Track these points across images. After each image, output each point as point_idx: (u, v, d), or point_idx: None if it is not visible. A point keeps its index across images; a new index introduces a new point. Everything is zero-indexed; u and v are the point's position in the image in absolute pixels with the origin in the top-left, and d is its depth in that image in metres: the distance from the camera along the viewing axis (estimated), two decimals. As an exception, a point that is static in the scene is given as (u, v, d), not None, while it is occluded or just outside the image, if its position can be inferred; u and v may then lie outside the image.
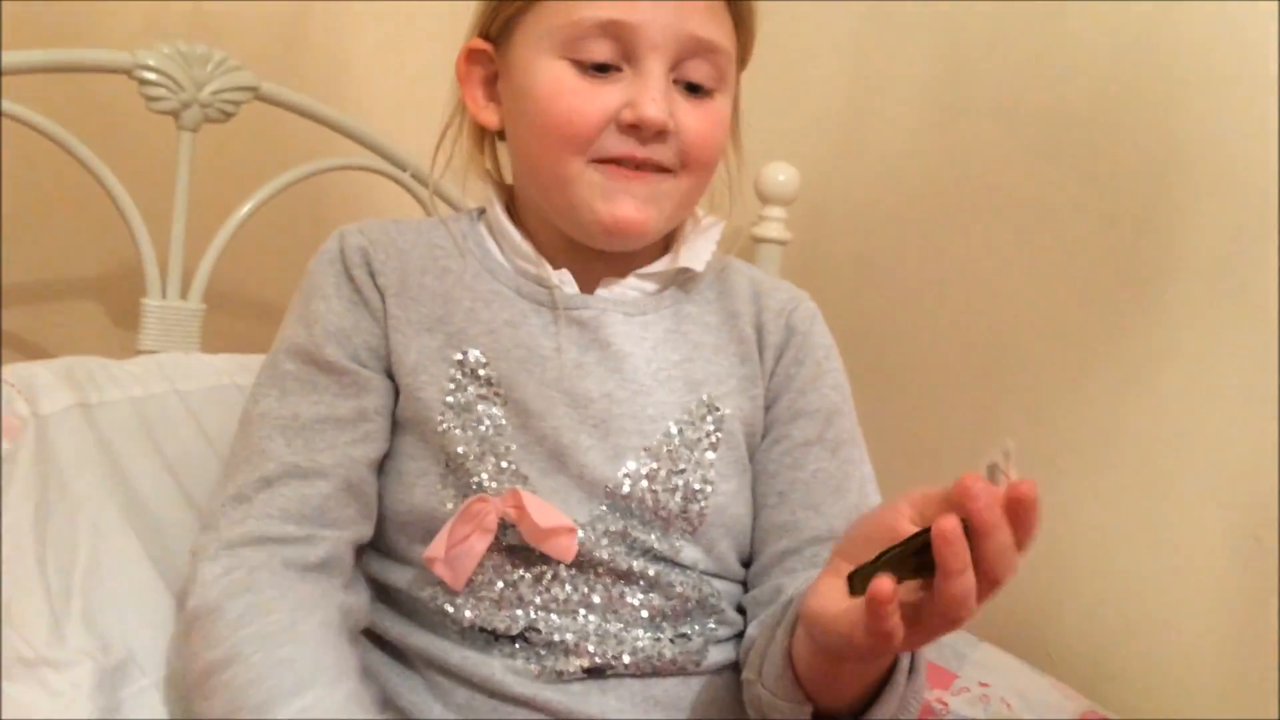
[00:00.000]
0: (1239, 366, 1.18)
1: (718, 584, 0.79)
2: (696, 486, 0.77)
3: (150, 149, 1.11)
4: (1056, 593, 1.29)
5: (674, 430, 0.77)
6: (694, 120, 0.75)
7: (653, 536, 0.75)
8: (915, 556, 0.55)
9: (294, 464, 0.74)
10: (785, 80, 1.52)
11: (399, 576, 0.78)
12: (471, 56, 0.80)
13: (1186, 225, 1.21)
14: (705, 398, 0.79)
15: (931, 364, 1.40)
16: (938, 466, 1.39)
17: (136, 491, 0.85)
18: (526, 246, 0.80)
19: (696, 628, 0.76)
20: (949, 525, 0.52)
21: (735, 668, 0.78)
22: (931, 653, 1.17)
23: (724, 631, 0.78)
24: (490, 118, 0.81)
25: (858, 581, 0.55)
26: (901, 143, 1.47)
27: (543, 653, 0.74)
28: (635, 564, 0.75)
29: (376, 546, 0.79)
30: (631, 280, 0.81)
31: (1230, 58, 1.18)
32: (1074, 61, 1.27)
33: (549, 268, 0.79)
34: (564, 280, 0.79)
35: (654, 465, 0.76)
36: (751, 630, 0.77)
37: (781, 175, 1.42)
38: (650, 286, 0.82)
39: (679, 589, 0.76)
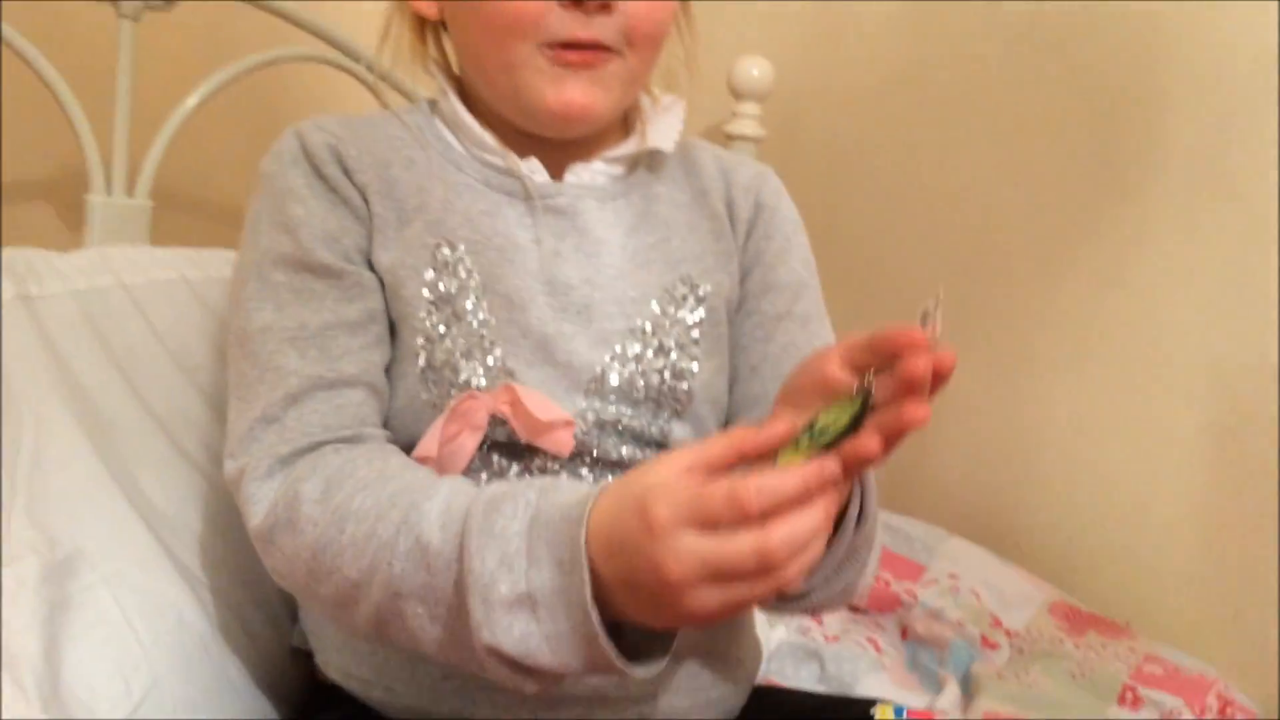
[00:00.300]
0: (1218, 256, 1.17)
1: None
2: (683, 365, 0.76)
3: (91, 40, 1.06)
4: (1028, 485, 1.29)
5: (656, 310, 0.76)
6: None
7: (642, 421, 0.75)
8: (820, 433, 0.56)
9: (317, 375, 0.70)
10: (756, -31, 1.48)
11: None
12: None
13: (1169, 114, 1.18)
14: (684, 276, 0.78)
15: (908, 260, 1.38)
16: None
17: (82, 388, 0.82)
18: (489, 138, 0.78)
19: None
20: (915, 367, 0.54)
21: None
22: (901, 546, 1.18)
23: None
24: (428, 8, 0.78)
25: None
26: (878, 35, 1.43)
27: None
28: (625, 451, 0.75)
29: None
30: (599, 165, 0.79)
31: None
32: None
33: (515, 158, 0.77)
34: (534, 169, 0.77)
35: (639, 348, 0.75)
36: None
37: (755, 69, 1.38)
38: (618, 170, 0.80)
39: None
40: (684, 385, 0.76)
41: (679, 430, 0.76)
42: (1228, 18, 1.14)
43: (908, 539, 1.18)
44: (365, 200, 0.75)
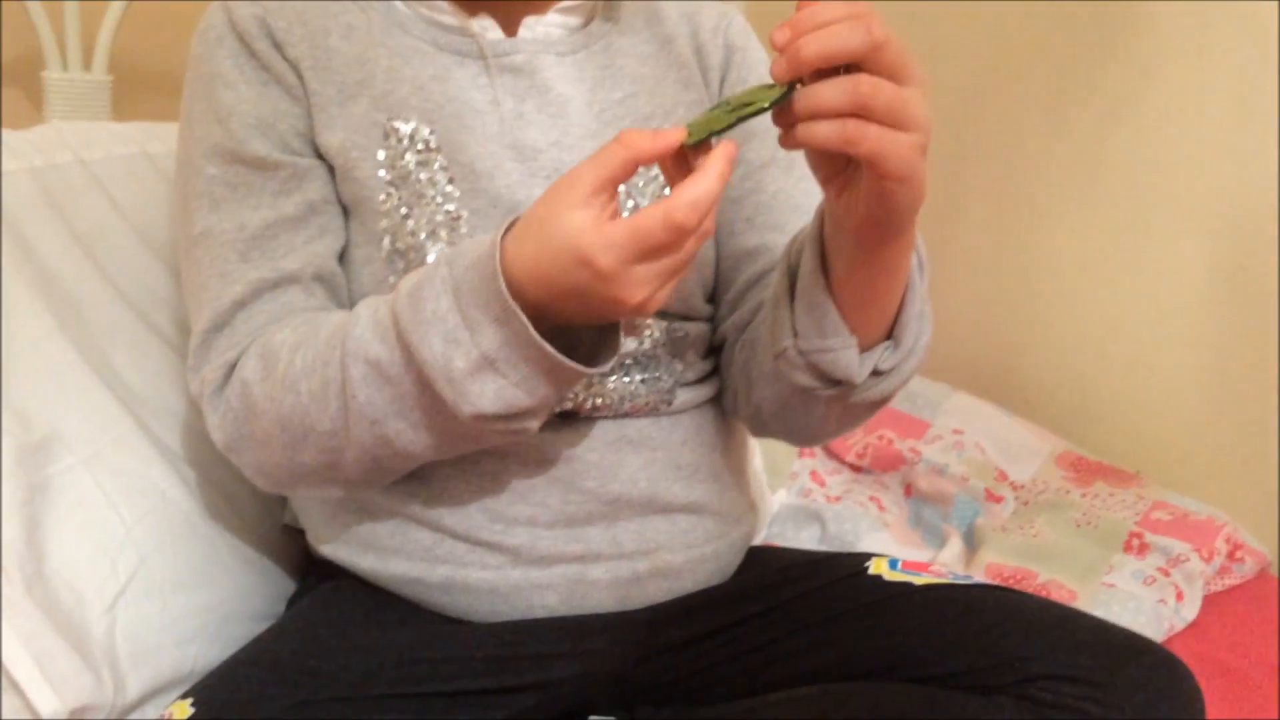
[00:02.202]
0: (1229, 86, 1.12)
1: (686, 326, 0.76)
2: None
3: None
4: (1034, 335, 1.27)
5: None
6: None
7: None
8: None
9: (259, 279, 0.68)
10: None
11: None
12: None
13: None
14: (654, 125, 0.73)
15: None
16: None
17: (46, 267, 0.79)
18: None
19: (665, 371, 0.74)
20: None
21: (703, 407, 0.76)
22: (905, 404, 1.16)
23: (691, 374, 0.76)
24: None
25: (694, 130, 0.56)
26: None
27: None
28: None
29: None
30: (554, 17, 0.73)
31: None
32: None
33: (465, 15, 0.71)
34: (486, 27, 0.72)
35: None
36: (757, 321, 0.74)
37: None
38: (575, 21, 0.74)
39: (647, 335, 0.73)
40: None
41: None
42: None
43: (911, 396, 1.16)
44: (300, 77, 0.70)
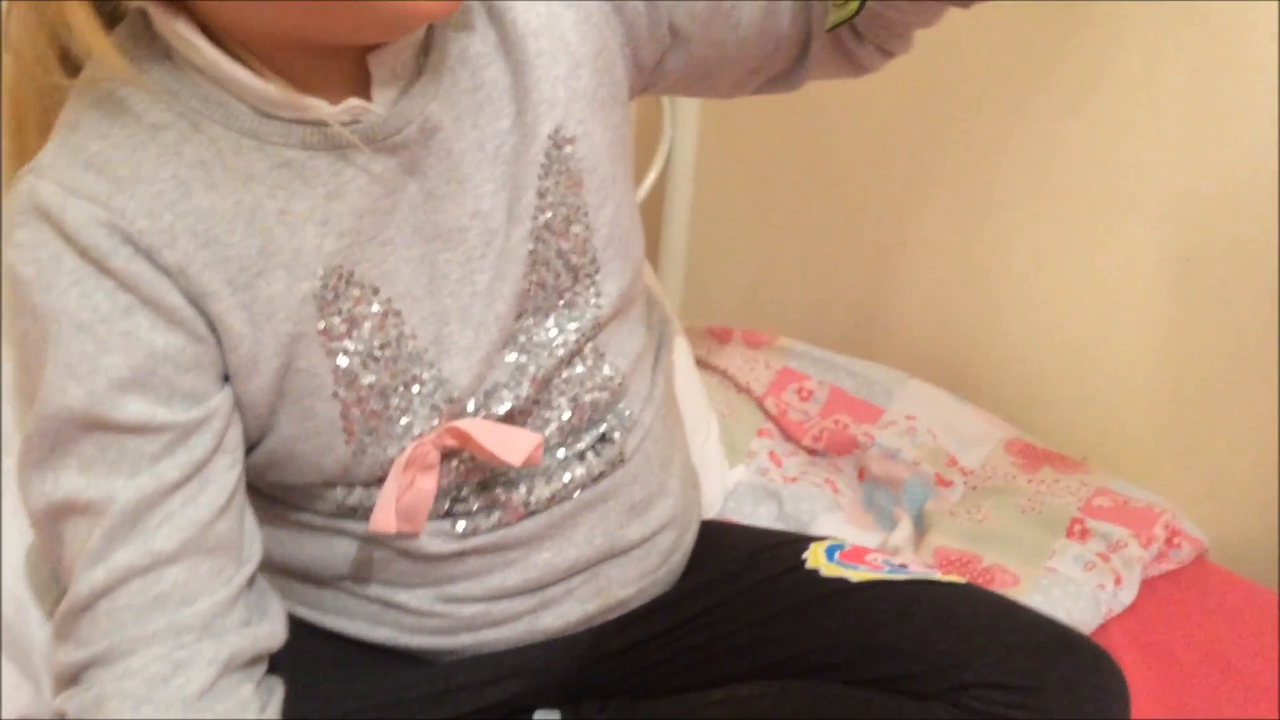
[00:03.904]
0: (1179, 83, 1.14)
1: (620, 358, 0.72)
2: (578, 231, 0.68)
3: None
4: (988, 324, 1.29)
5: (541, 189, 0.66)
6: None
7: (565, 313, 0.69)
8: None
9: (128, 565, 0.58)
10: None
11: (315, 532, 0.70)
12: None
13: (1130, -66, 1.14)
14: (551, 136, 0.65)
15: (864, 104, 1.34)
16: (870, 206, 1.36)
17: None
18: (289, 91, 0.58)
19: (612, 423, 0.72)
20: None
21: (648, 433, 0.74)
22: (860, 390, 1.19)
23: (637, 402, 0.73)
24: None
25: None
26: None
27: (465, 519, 0.69)
28: (557, 387, 0.69)
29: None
30: (403, 57, 0.62)
31: None
32: None
33: (326, 105, 0.59)
34: (360, 110, 0.60)
35: (542, 244, 0.67)
36: None
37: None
38: (418, 33, 0.62)
39: (589, 397, 0.71)
40: (589, 255, 0.68)
41: (604, 290, 0.69)
42: None
43: (867, 382, 1.19)
44: (185, 286, 0.58)
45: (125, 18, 0.59)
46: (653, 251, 1.43)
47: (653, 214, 1.43)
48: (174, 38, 0.57)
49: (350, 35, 0.58)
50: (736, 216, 1.49)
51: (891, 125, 1.33)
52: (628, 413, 0.72)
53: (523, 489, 0.69)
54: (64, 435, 0.57)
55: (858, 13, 0.57)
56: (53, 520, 0.59)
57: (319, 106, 0.58)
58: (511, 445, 0.64)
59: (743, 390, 1.20)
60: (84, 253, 0.55)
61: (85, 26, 0.54)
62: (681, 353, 1.05)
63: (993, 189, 1.27)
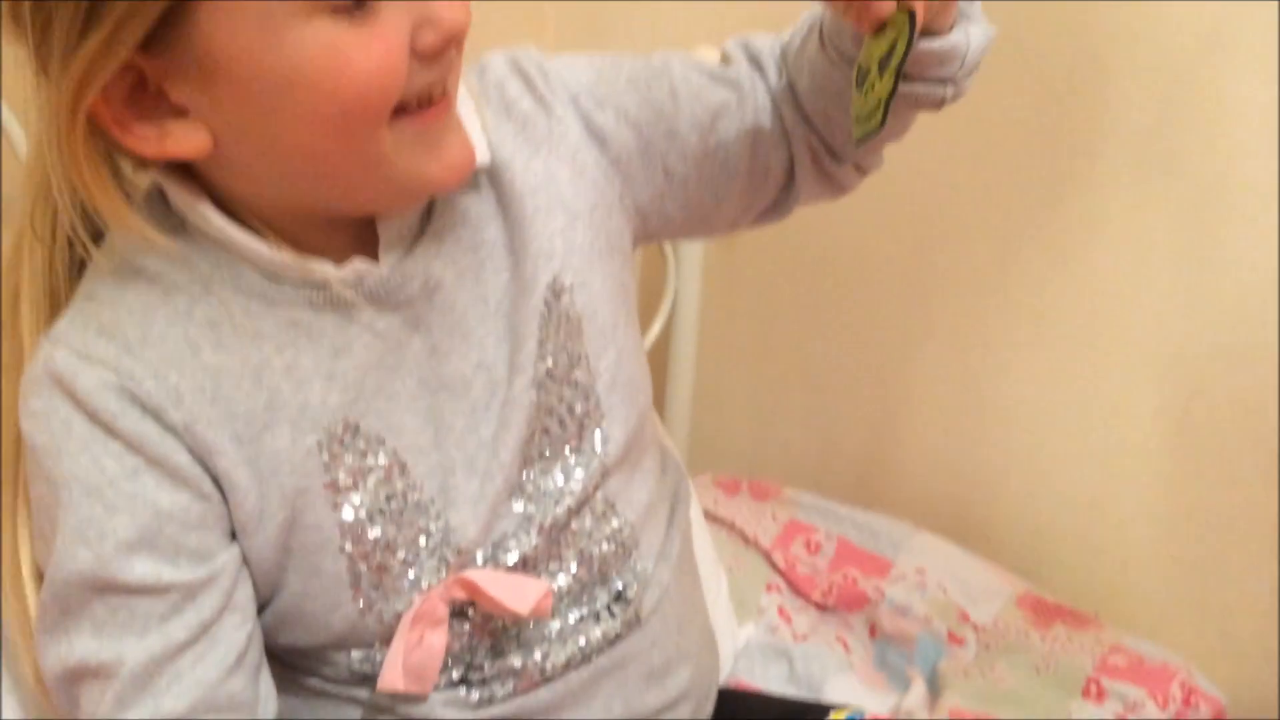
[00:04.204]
0: (1168, 236, 1.17)
1: (631, 507, 0.72)
2: (582, 379, 0.69)
3: None
4: (993, 475, 1.30)
5: (540, 338, 0.67)
6: (461, 7, 0.60)
7: (571, 460, 0.69)
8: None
9: None
10: None
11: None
12: (110, 93, 0.55)
13: (1114, 96, 1.18)
14: (549, 286, 0.67)
15: (861, 244, 1.37)
16: (872, 357, 1.38)
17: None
18: (296, 258, 0.61)
19: (627, 580, 0.72)
20: None
21: (666, 590, 0.74)
22: (868, 542, 1.19)
23: (651, 556, 0.73)
24: (192, 141, 0.57)
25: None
26: (829, 23, 1.43)
27: (480, 687, 0.68)
28: (564, 544, 0.69)
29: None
30: (409, 221, 0.65)
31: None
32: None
33: (331, 268, 0.62)
34: (363, 273, 0.63)
35: (544, 392, 0.68)
36: (792, 53, 0.73)
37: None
38: (418, 213, 0.66)
39: (599, 548, 0.70)
40: (592, 402, 0.69)
41: (608, 436, 0.70)
42: (1169, 4, 1.14)
43: (874, 535, 1.19)
44: (191, 444, 0.59)
45: (142, 192, 0.62)
46: (658, 401, 1.44)
47: (658, 364, 1.44)
48: (188, 210, 0.60)
49: (365, 206, 0.62)
50: (740, 367, 1.50)
51: (890, 278, 1.36)
52: (640, 567, 0.72)
53: (538, 654, 0.68)
54: (76, 599, 0.59)
55: (883, 125, 0.60)
56: (69, 685, 0.60)
57: (324, 269, 0.61)
58: (520, 593, 0.64)
59: (750, 543, 1.20)
60: (93, 416, 0.57)
61: (109, 199, 0.57)
62: (693, 508, 1.06)
63: (992, 339, 1.29)
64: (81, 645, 0.59)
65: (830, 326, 1.42)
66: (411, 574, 0.65)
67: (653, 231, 0.76)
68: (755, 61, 0.74)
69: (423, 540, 0.65)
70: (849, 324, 1.40)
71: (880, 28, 0.58)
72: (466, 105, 0.65)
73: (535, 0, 1.49)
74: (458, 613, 0.66)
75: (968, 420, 1.31)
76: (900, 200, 1.33)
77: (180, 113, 0.57)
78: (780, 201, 0.77)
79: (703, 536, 1.11)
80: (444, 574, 0.65)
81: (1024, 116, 1.24)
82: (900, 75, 0.58)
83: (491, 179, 0.67)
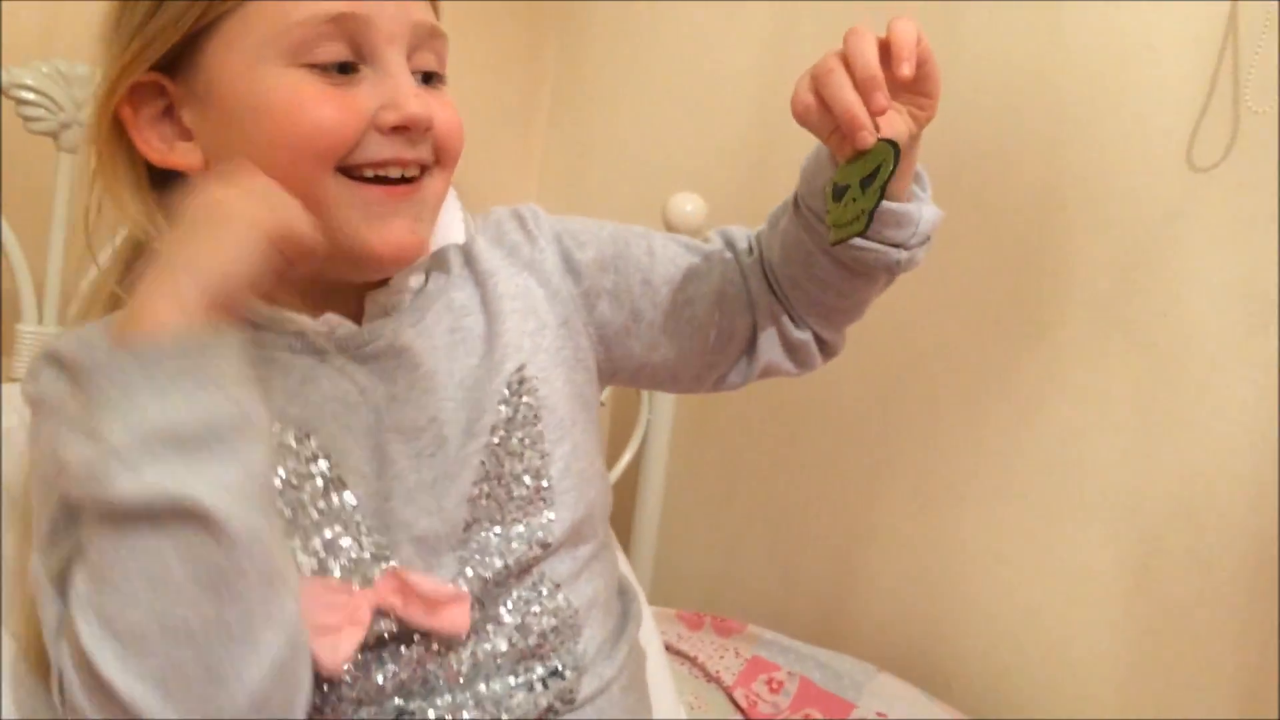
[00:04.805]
0: (1126, 398, 1.21)
1: (577, 590, 0.75)
2: (537, 463, 0.74)
3: (29, 169, 1.07)
4: (955, 620, 1.31)
5: (500, 414, 0.74)
6: (442, 111, 0.70)
7: (514, 533, 0.72)
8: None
9: None
10: (692, 111, 1.53)
11: None
12: (135, 95, 0.68)
13: (1074, 261, 1.24)
14: (514, 371, 0.75)
15: (830, 398, 1.40)
16: (836, 498, 1.40)
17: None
18: (277, 311, 0.70)
19: (564, 660, 0.73)
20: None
21: (605, 690, 0.75)
22: (830, 683, 1.18)
23: (591, 649, 0.75)
24: (188, 159, 0.68)
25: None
26: (804, 174, 1.48)
27: None
28: (506, 603, 0.72)
29: None
30: (396, 285, 0.74)
31: (1118, 96, 1.21)
32: (968, 94, 1.30)
33: (307, 319, 0.70)
34: (334, 324, 0.71)
35: (495, 461, 0.73)
36: (768, 235, 0.85)
37: (689, 206, 1.42)
38: (416, 283, 0.75)
39: (539, 622, 0.73)
40: (544, 482, 0.74)
41: (553, 518, 0.74)
42: (1129, 169, 1.20)
43: (836, 675, 1.19)
44: None
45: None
46: (625, 535, 1.45)
47: (626, 496, 1.45)
48: None
49: (344, 275, 0.70)
50: (706, 502, 1.52)
51: (857, 422, 1.39)
52: (581, 651, 0.74)
53: (471, 701, 0.70)
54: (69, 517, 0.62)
55: (866, 229, 0.69)
56: (58, 585, 0.61)
57: (300, 320, 0.69)
58: (440, 591, 0.68)
59: (712, 680, 1.19)
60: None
61: (117, 184, 0.70)
62: (652, 644, 1.06)
63: (955, 487, 1.31)
64: (69, 544, 0.60)
65: (797, 467, 1.44)
66: (334, 567, 0.67)
67: (619, 367, 0.84)
68: (729, 241, 0.86)
69: (347, 541, 0.68)
70: (816, 466, 1.42)
71: (856, 156, 0.68)
72: (452, 204, 0.76)
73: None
74: (386, 638, 0.68)
75: (931, 562, 1.33)
76: (869, 349, 1.37)
77: (186, 136, 0.69)
78: (743, 367, 0.86)
79: (662, 673, 1.11)
80: (375, 576, 0.68)
81: (990, 275, 1.29)
82: (884, 191, 0.67)
83: (478, 282, 0.77)
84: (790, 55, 1.45)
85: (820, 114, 0.69)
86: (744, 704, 1.17)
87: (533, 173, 1.66)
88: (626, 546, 1.45)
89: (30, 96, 1.02)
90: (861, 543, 1.39)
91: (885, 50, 0.68)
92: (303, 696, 0.61)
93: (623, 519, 1.44)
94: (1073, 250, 1.24)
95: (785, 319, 0.84)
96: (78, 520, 0.59)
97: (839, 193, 0.70)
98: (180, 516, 0.54)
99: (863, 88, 0.66)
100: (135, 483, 0.54)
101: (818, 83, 0.68)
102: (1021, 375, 1.27)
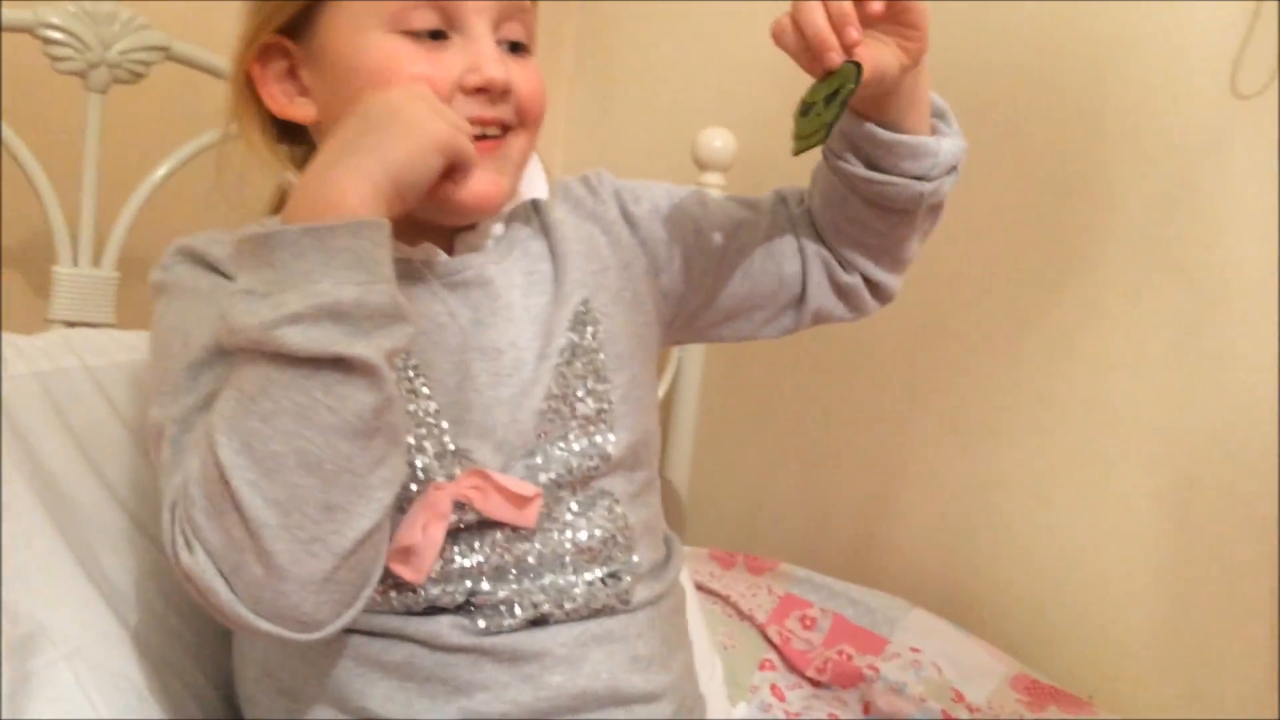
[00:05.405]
0: (1165, 332, 1.19)
1: (633, 511, 0.81)
2: (600, 388, 0.81)
3: (59, 111, 1.07)
4: (990, 555, 1.31)
5: (568, 344, 0.81)
6: (524, 77, 0.78)
7: (578, 447, 0.79)
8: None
9: None
10: (720, 45, 1.50)
11: None
12: (264, 55, 0.78)
13: (1114, 192, 1.22)
14: (581, 303, 0.82)
15: (865, 334, 1.39)
16: (872, 437, 1.40)
17: (45, 467, 0.82)
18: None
19: (622, 566, 0.80)
20: None
21: (656, 603, 0.82)
22: (863, 619, 1.19)
23: (644, 565, 0.81)
24: (304, 111, 0.79)
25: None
26: (836, 109, 1.46)
27: (488, 613, 0.76)
28: (570, 506, 0.79)
29: None
30: (482, 227, 0.82)
31: (1159, 21, 1.18)
32: (1004, 21, 1.27)
33: (408, 248, 0.78)
34: (431, 252, 0.79)
35: (562, 380, 0.80)
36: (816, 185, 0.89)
37: (718, 141, 1.41)
38: (499, 230, 0.83)
39: (600, 529, 0.79)
40: (605, 405, 0.81)
41: (612, 441, 0.80)
42: (1172, 98, 1.18)
43: (869, 611, 1.19)
44: None
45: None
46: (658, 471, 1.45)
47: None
48: None
49: (434, 217, 0.77)
50: (738, 440, 1.52)
51: (889, 358, 1.38)
52: (635, 561, 0.80)
53: (536, 596, 0.76)
54: (213, 367, 0.70)
55: (823, 141, 0.74)
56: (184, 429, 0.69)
57: (402, 246, 0.76)
58: (520, 487, 0.74)
59: (745, 618, 1.20)
60: (215, 269, 0.75)
61: (250, 126, 0.81)
62: (690, 595, 1.07)
63: (992, 423, 1.31)
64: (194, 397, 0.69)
65: (829, 404, 1.43)
66: (420, 461, 0.74)
67: (676, 314, 0.90)
68: (781, 196, 0.92)
69: (429, 444, 0.75)
70: (847, 402, 1.41)
71: (827, 75, 0.73)
72: (535, 165, 0.83)
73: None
74: (463, 528, 0.75)
75: (968, 498, 1.32)
76: (908, 283, 1.36)
77: (304, 91, 0.78)
78: (795, 313, 0.92)
79: (697, 617, 1.12)
80: (456, 472, 0.75)
81: (1028, 207, 1.27)
82: (845, 107, 0.72)
83: (546, 230, 0.84)
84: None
85: (795, 36, 0.73)
86: (777, 640, 1.18)
87: (560, 111, 1.65)
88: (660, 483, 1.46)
89: (58, 36, 1.02)
90: (895, 479, 1.38)
91: None
92: (381, 563, 0.68)
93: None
94: (1112, 181, 1.22)
95: (834, 263, 0.89)
96: (199, 378, 0.69)
97: (806, 109, 0.74)
98: (344, 369, 0.62)
99: (835, 23, 0.71)
100: (306, 339, 0.61)
101: (795, 10, 0.73)
102: (1059, 309, 1.26)
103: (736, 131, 1.40)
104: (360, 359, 0.62)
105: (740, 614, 1.21)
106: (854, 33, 0.71)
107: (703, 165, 1.42)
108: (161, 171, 1.09)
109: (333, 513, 0.63)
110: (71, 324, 1.04)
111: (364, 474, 0.64)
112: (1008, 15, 1.27)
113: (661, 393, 1.40)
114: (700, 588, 1.20)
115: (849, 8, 0.71)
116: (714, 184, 1.42)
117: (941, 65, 1.30)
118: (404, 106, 0.68)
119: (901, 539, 1.38)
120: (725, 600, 1.22)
